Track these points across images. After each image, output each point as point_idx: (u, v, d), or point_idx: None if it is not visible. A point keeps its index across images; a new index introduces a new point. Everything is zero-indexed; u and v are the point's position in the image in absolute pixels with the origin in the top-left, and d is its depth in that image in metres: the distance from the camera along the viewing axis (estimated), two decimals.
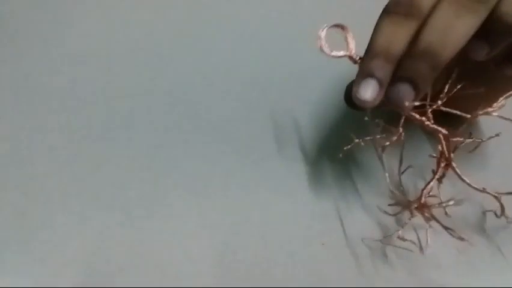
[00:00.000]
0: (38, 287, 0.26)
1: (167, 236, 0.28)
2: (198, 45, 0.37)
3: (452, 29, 0.23)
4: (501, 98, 0.26)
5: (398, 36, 0.24)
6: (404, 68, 0.23)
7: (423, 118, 0.25)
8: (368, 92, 0.24)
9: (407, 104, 0.23)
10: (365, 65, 0.24)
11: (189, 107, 0.34)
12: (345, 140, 0.31)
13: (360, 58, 0.25)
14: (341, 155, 0.28)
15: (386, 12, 0.24)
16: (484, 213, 0.29)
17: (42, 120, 0.32)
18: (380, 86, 0.24)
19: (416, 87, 0.23)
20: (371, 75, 0.24)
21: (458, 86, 0.25)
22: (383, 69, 0.23)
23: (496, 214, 0.27)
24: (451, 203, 0.27)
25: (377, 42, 0.24)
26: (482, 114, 0.25)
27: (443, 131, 0.25)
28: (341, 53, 0.25)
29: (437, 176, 0.26)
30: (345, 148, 0.27)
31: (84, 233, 0.28)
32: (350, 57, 0.25)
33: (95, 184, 0.30)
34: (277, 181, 0.31)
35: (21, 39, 0.37)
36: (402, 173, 0.28)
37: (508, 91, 0.26)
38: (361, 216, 0.29)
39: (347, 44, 0.25)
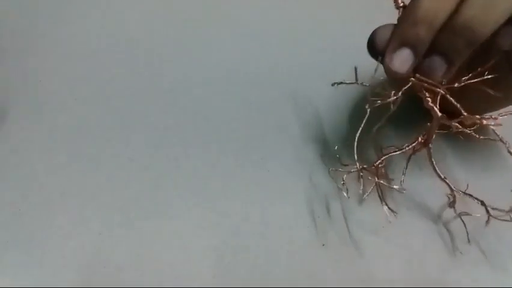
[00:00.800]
0: (38, 287, 0.26)
1: (167, 236, 0.28)
2: (198, 43, 0.37)
3: (493, 5, 0.21)
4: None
5: (444, 5, 0.22)
6: (440, 40, 0.22)
7: (427, 94, 0.24)
8: (404, 64, 0.22)
9: (439, 76, 0.22)
10: (403, 31, 0.22)
11: (189, 106, 0.34)
12: (344, 140, 0.31)
13: (403, 5, 0.23)
14: (336, 147, 0.28)
15: None
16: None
17: (42, 120, 0.32)
18: (415, 57, 0.22)
19: (449, 61, 0.22)
20: (408, 44, 0.22)
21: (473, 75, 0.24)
22: (423, 40, 0.22)
23: (449, 204, 0.27)
24: (395, 186, 0.27)
25: (421, 8, 0.22)
26: (483, 119, 0.25)
27: (438, 113, 0.24)
28: None
29: (408, 148, 0.26)
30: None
31: (83, 233, 0.28)
32: (395, 0, 0.24)
33: (95, 184, 0.30)
34: (277, 181, 0.31)
35: (21, 38, 0.37)
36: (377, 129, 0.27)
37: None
38: (361, 216, 0.29)
39: None
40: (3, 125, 0.32)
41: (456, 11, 0.21)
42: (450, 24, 0.21)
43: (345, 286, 0.26)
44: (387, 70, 0.23)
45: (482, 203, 0.26)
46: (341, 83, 0.26)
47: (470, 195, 0.26)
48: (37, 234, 0.27)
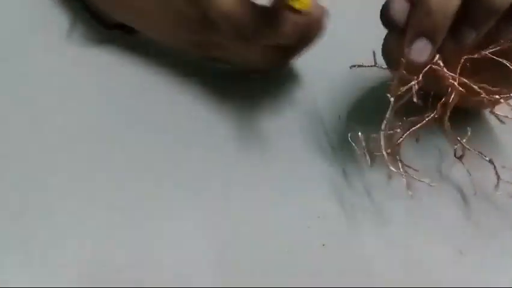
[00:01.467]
0: (38, 287, 0.26)
1: (167, 236, 0.28)
2: None
3: None
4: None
5: None
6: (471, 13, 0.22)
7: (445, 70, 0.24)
8: (423, 54, 0.22)
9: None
10: (418, 22, 0.22)
11: (189, 106, 0.34)
12: (344, 140, 0.31)
13: None
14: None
15: None
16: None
17: (42, 120, 0.32)
18: (433, 46, 0.22)
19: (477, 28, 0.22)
20: (425, 34, 0.22)
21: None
22: (439, 28, 0.22)
23: (455, 154, 0.27)
24: (426, 180, 0.26)
25: None
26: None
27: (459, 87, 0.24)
28: None
29: (428, 118, 0.25)
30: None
31: (83, 233, 0.28)
32: None
33: (95, 184, 0.30)
34: (277, 181, 0.31)
35: (21, 38, 0.37)
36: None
37: None
38: (362, 216, 0.29)
39: None
40: (3, 125, 0.32)
41: None
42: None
43: (345, 286, 0.26)
44: (407, 62, 0.23)
45: (491, 161, 0.26)
46: (360, 65, 0.26)
47: (480, 153, 0.26)
48: (37, 234, 0.27)
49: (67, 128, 0.32)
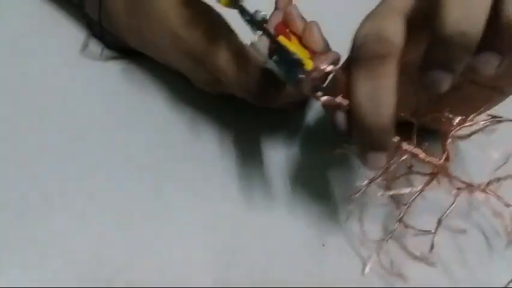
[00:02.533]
0: (38, 287, 0.26)
1: (166, 237, 0.28)
2: None
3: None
4: (473, 115, 0.25)
5: (383, 95, 0.20)
6: (433, 53, 0.20)
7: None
8: (378, 163, 0.22)
9: (445, 87, 0.21)
10: (359, 139, 0.22)
11: (189, 106, 0.34)
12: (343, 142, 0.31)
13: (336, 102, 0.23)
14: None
15: (356, 64, 0.21)
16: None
17: (42, 120, 0.32)
18: (386, 152, 0.22)
19: (451, 70, 0.20)
20: (370, 149, 0.22)
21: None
22: (380, 141, 0.21)
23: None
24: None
25: (361, 112, 0.21)
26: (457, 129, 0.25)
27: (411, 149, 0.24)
28: (327, 98, 0.23)
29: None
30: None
31: (83, 234, 0.28)
32: (340, 105, 0.22)
33: (95, 184, 0.30)
34: (277, 181, 0.31)
35: (20, 38, 0.37)
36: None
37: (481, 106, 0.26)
38: (361, 216, 0.29)
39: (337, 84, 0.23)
40: (3, 124, 0.32)
41: (436, 23, 0.20)
42: (437, 36, 0.20)
43: (345, 286, 0.26)
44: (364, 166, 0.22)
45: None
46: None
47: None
48: (37, 234, 0.27)
49: (67, 128, 0.32)
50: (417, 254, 0.27)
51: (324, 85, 0.26)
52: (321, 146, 0.32)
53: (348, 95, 0.22)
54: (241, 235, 0.28)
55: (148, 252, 0.27)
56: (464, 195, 0.25)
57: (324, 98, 0.23)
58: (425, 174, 0.26)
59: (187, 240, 0.28)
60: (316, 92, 0.23)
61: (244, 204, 0.29)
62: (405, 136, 0.25)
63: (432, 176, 0.25)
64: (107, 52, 0.36)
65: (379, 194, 0.27)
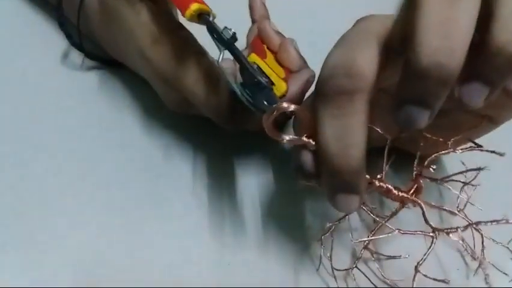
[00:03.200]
0: (38, 287, 0.26)
1: (166, 237, 0.28)
2: None
3: (452, 23, 0.17)
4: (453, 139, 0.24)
5: (352, 134, 0.19)
6: (407, 88, 0.18)
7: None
8: (350, 206, 0.20)
9: (423, 124, 0.18)
10: (327, 181, 0.20)
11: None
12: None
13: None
14: None
15: (323, 99, 0.19)
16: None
17: (42, 120, 0.32)
18: (359, 195, 0.20)
19: (428, 106, 0.18)
20: (340, 191, 0.20)
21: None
22: (351, 184, 0.19)
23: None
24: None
25: (329, 153, 0.19)
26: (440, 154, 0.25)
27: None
28: (291, 137, 0.21)
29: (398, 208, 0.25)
30: None
31: (83, 234, 0.28)
32: (307, 144, 0.21)
33: (95, 184, 0.30)
34: (277, 181, 0.31)
35: (20, 38, 0.37)
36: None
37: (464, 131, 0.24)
38: (362, 216, 0.29)
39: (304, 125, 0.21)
40: (3, 124, 0.32)
41: (406, 62, 0.18)
42: (411, 70, 0.18)
43: (345, 286, 0.26)
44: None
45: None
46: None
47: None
48: (37, 234, 0.27)
49: (67, 128, 0.32)
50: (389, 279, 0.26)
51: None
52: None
53: (314, 134, 0.20)
54: (241, 235, 0.28)
55: (147, 252, 0.27)
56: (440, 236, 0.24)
57: (288, 137, 0.21)
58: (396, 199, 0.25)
59: (187, 240, 0.28)
60: (278, 131, 0.21)
61: (244, 204, 0.29)
62: (381, 154, 0.24)
63: (402, 206, 0.25)
64: (88, 62, 0.35)
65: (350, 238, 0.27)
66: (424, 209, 0.24)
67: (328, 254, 0.26)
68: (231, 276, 0.27)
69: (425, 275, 0.24)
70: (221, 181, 0.30)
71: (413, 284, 0.23)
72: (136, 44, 0.28)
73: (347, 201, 0.20)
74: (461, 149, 0.24)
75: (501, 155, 0.23)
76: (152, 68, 0.28)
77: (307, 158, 0.21)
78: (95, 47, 0.34)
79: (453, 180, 0.26)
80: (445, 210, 0.25)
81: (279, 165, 0.31)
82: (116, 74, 0.35)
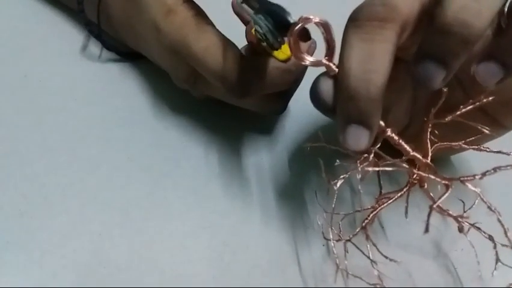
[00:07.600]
0: (38, 287, 0.26)
1: (166, 237, 0.28)
2: None
3: None
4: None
5: (377, 60, 0.19)
6: (429, 44, 0.19)
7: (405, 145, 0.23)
8: (360, 142, 0.20)
9: (437, 84, 0.19)
10: (343, 108, 0.20)
11: (188, 106, 0.34)
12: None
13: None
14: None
15: (354, 24, 0.19)
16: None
17: (42, 120, 0.32)
18: (371, 131, 0.20)
19: (446, 65, 0.18)
20: (355, 121, 0.19)
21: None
22: (370, 114, 0.19)
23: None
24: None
25: (350, 76, 0.19)
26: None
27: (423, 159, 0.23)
28: (313, 59, 0.21)
29: (402, 192, 0.25)
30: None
31: (83, 233, 0.28)
32: (328, 67, 0.21)
33: (95, 184, 0.30)
34: (277, 181, 0.31)
35: (20, 38, 0.37)
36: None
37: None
38: (361, 217, 0.29)
39: (328, 46, 0.21)
40: (3, 124, 0.32)
41: (436, 12, 0.18)
42: (436, 24, 0.18)
43: (345, 286, 0.26)
44: (347, 148, 0.20)
45: (491, 238, 0.24)
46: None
47: (478, 228, 0.24)
48: (37, 234, 0.27)
49: (67, 128, 0.32)
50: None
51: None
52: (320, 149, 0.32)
53: (339, 58, 0.20)
54: (241, 235, 0.28)
55: (148, 252, 0.27)
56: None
57: (310, 58, 0.21)
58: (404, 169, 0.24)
59: (187, 240, 0.28)
60: (301, 51, 0.21)
61: (244, 204, 0.29)
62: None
63: (412, 183, 0.24)
64: (106, 53, 0.36)
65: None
66: (435, 169, 0.23)
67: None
68: (231, 276, 0.27)
69: (441, 209, 0.23)
70: (221, 181, 0.30)
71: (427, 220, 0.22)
72: (150, 16, 0.29)
73: (357, 134, 0.20)
74: (468, 148, 0.24)
75: (508, 154, 0.23)
76: (164, 39, 0.29)
77: (326, 85, 0.20)
78: (112, 40, 0.35)
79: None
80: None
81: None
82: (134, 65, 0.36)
